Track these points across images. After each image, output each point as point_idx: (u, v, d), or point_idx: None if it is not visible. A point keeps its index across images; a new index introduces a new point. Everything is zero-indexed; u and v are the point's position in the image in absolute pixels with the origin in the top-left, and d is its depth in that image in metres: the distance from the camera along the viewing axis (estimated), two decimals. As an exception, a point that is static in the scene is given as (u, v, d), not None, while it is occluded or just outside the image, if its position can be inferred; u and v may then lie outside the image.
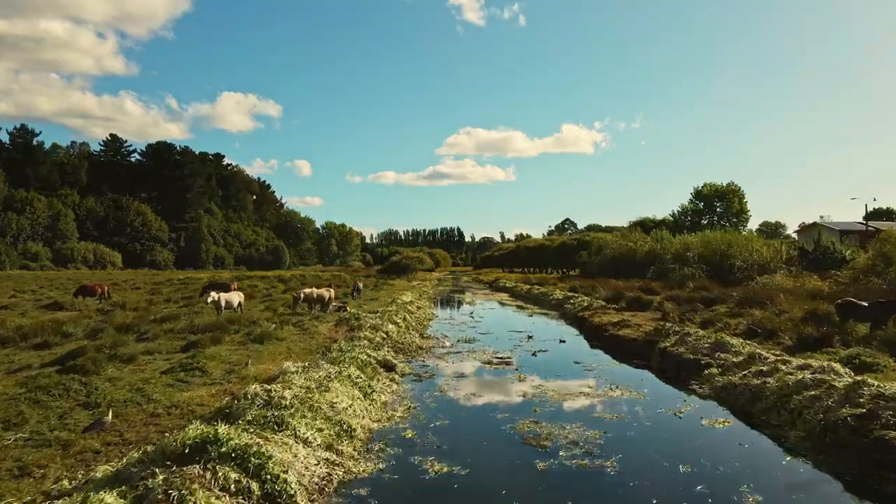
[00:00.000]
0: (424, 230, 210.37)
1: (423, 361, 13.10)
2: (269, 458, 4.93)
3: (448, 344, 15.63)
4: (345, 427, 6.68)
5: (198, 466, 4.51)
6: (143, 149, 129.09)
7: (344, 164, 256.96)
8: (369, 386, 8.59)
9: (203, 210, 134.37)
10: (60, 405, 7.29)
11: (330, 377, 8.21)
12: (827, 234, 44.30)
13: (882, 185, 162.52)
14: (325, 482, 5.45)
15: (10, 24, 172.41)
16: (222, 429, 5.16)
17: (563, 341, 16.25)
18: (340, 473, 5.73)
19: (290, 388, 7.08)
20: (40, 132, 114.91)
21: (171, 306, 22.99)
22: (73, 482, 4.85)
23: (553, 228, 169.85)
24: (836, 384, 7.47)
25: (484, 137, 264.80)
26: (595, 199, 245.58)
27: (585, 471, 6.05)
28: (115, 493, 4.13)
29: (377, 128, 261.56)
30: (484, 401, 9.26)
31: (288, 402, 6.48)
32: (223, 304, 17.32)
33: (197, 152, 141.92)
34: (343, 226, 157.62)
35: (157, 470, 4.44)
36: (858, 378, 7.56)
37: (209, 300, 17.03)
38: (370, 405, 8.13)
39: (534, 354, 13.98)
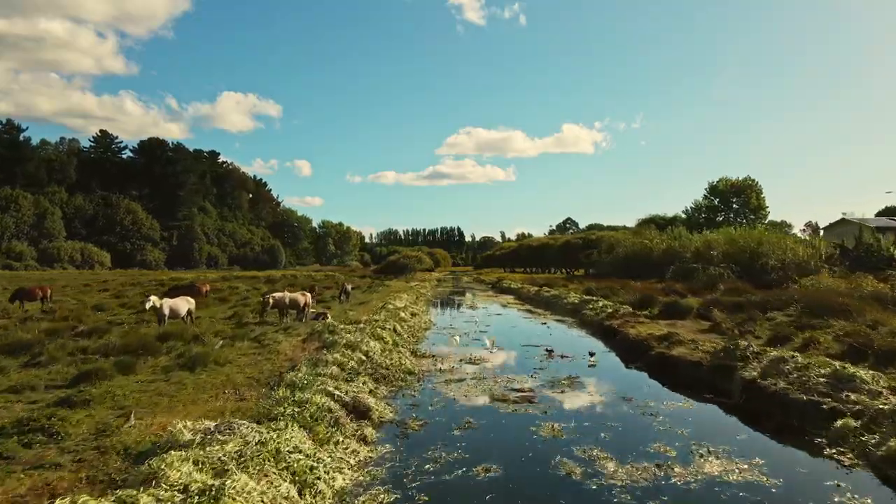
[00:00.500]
0: (424, 230, 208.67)
1: (413, 395, 9.61)
2: None
3: (447, 366, 12.13)
4: None
5: None
6: (135, 145, 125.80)
7: (344, 164, 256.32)
8: (311, 468, 5.06)
9: (197, 208, 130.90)
10: None
11: (243, 457, 4.73)
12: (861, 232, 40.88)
13: (882, 185, 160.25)
14: None
15: (9, 23, 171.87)
16: None
17: (593, 363, 12.72)
18: None
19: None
20: (27, 127, 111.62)
21: (122, 312, 19.52)
22: None
23: (554, 228, 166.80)
24: None
25: (484, 137, 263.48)
26: (595, 199, 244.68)
27: None
28: None
29: (377, 128, 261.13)
30: (504, 485, 5.75)
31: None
32: (166, 311, 13.85)
33: (191, 149, 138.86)
34: (341, 225, 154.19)
35: None
36: None
37: (147, 306, 13.57)
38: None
39: (561, 386, 10.47)
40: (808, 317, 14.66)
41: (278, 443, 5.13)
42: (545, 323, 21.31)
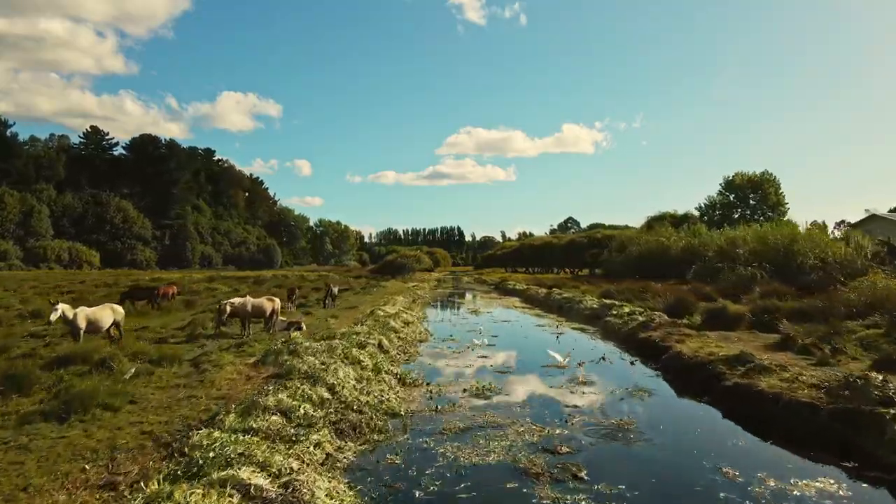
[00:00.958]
0: (424, 229, 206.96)
1: (394, 459, 6.36)
2: None
3: (447, 400, 8.91)
4: None
5: None
6: (127, 143, 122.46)
7: (344, 164, 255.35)
8: None
9: (190, 207, 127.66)
10: None
11: None
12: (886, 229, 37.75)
13: (882, 185, 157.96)
14: None
15: (9, 23, 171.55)
16: None
17: (640, 393, 9.46)
18: None
19: None
20: (13, 123, 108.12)
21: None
22: None
23: (556, 227, 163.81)
24: None
25: (484, 137, 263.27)
26: (596, 199, 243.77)
27: None
28: None
29: (377, 128, 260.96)
30: None
31: None
32: (82, 324, 10.60)
33: (184, 146, 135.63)
34: (339, 223, 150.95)
35: None
36: None
37: (53, 317, 10.34)
38: None
39: (610, 439, 7.23)
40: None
41: None
42: (562, 332, 18.05)
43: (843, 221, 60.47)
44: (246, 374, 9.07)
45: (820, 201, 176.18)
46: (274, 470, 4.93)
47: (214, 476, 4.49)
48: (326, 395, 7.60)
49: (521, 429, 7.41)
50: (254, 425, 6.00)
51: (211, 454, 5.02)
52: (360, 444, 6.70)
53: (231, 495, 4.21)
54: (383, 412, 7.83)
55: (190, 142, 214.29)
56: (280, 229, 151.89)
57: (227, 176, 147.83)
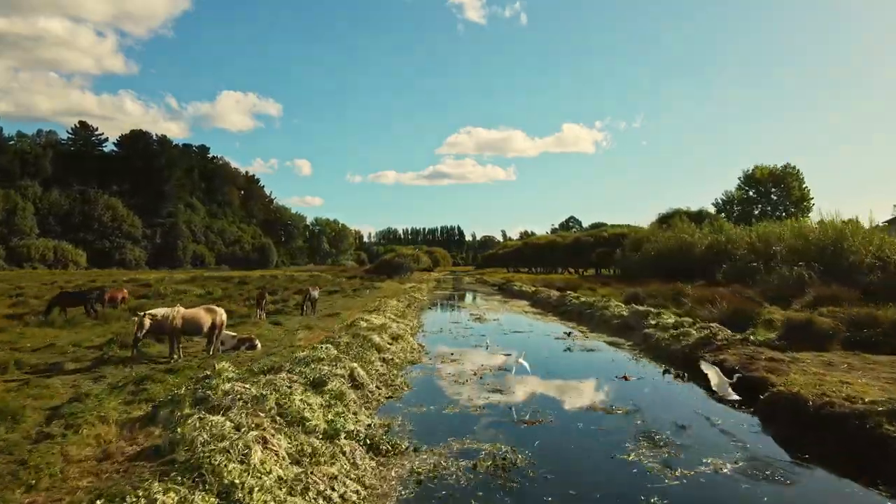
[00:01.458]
0: (424, 229, 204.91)
1: None
2: None
3: (443, 491, 5.27)
4: None
5: None
6: (117, 139, 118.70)
7: (344, 164, 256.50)
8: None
9: (183, 205, 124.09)
10: None
11: None
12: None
13: (882, 185, 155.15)
14: None
15: (9, 22, 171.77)
16: None
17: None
18: None
19: None
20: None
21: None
22: None
23: (557, 227, 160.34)
24: None
25: (484, 137, 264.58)
26: (596, 198, 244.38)
27: None
28: None
29: (377, 128, 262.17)
30: None
31: None
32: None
33: (178, 143, 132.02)
34: (336, 222, 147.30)
35: None
36: None
37: None
38: None
39: None
40: None
41: None
42: (590, 349, 14.40)
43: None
44: (109, 449, 5.41)
45: (821, 201, 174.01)
46: None
47: None
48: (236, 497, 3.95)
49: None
50: None
51: None
52: None
53: None
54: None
55: (189, 141, 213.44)
56: (276, 228, 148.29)
57: (221, 173, 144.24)
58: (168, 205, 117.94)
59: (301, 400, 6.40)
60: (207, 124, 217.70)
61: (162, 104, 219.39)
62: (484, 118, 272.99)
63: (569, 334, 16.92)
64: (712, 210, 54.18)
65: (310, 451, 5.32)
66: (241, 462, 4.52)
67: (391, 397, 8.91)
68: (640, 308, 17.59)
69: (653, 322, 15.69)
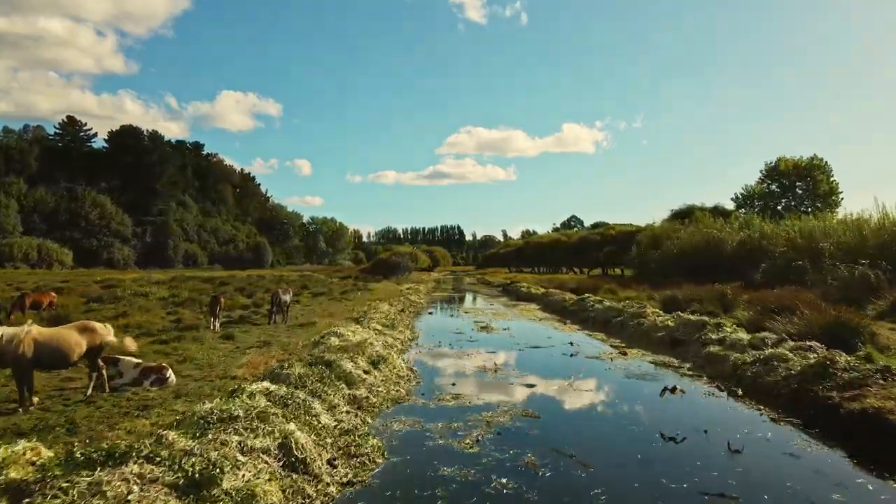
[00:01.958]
0: (424, 228, 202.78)
1: None
2: None
3: None
4: None
5: None
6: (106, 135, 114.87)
7: (344, 164, 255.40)
8: None
9: (175, 203, 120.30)
10: None
11: None
12: None
13: (883, 185, 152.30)
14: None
15: (9, 21, 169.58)
16: None
17: None
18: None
19: None
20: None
21: None
22: None
23: (559, 226, 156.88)
24: None
25: (484, 137, 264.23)
26: (596, 198, 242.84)
27: None
28: None
29: (377, 127, 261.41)
30: None
31: None
32: None
33: (171, 140, 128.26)
34: (333, 221, 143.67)
35: None
36: None
37: None
38: None
39: None
40: None
41: None
42: (641, 376, 10.76)
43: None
44: None
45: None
46: None
47: None
48: None
49: None
50: None
51: None
52: None
53: None
54: None
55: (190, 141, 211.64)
56: (272, 227, 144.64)
57: (215, 171, 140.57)
58: (159, 202, 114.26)
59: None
60: (207, 124, 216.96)
61: (162, 104, 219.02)
62: (484, 118, 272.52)
63: (609, 355, 13.27)
64: (730, 206, 50.58)
65: None
66: None
67: (350, 483, 5.25)
68: (690, 317, 13.91)
69: (712, 336, 12.07)
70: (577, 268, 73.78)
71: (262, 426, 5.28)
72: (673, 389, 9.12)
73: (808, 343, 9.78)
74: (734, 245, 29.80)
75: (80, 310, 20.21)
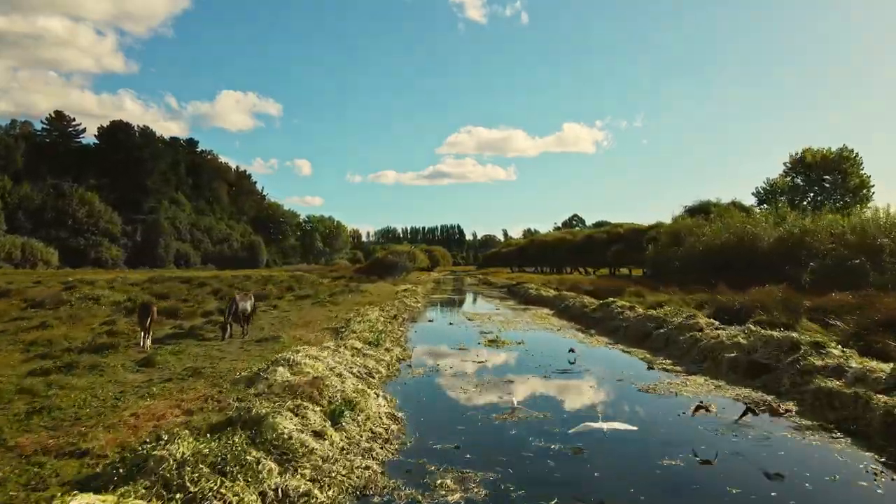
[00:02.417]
0: (423, 228, 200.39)
1: None
2: None
3: None
4: None
5: None
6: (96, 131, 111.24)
7: (344, 164, 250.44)
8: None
9: (167, 200, 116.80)
10: None
11: None
12: None
13: (883, 185, 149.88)
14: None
15: (8, 21, 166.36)
16: None
17: None
18: None
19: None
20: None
21: None
22: None
23: (560, 225, 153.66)
24: None
25: (485, 136, 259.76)
26: (596, 198, 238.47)
27: None
28: None
29: (377, 127, 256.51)
30: None
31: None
32: None
33: (160, 135, 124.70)
34: (330, 219, 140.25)
35: None
36: None
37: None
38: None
39: None
40: None
41: None
42: (730, 429, 7.34)
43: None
44: None
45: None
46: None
47: None
48: None
49: None
50: None
51: None
52: None
53: None
54: None
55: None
56: (268, 226, 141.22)
57: (209, 168, 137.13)
58: (150, 200, 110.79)
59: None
60: (207, 124, 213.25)
61: (162, 104, 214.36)
62: (484, 118, 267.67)
63: (669, 386, 9.85)
64: (750, 201, 47.16)
65: None
66: None
67: None
68: (772, 333, 10.46)
69: (815, 362, 8.67)
70: (583, 267, 70.78)
71: None
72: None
73: None
74: (771, 242, 26.38)
75: (8, 316, 16.93)
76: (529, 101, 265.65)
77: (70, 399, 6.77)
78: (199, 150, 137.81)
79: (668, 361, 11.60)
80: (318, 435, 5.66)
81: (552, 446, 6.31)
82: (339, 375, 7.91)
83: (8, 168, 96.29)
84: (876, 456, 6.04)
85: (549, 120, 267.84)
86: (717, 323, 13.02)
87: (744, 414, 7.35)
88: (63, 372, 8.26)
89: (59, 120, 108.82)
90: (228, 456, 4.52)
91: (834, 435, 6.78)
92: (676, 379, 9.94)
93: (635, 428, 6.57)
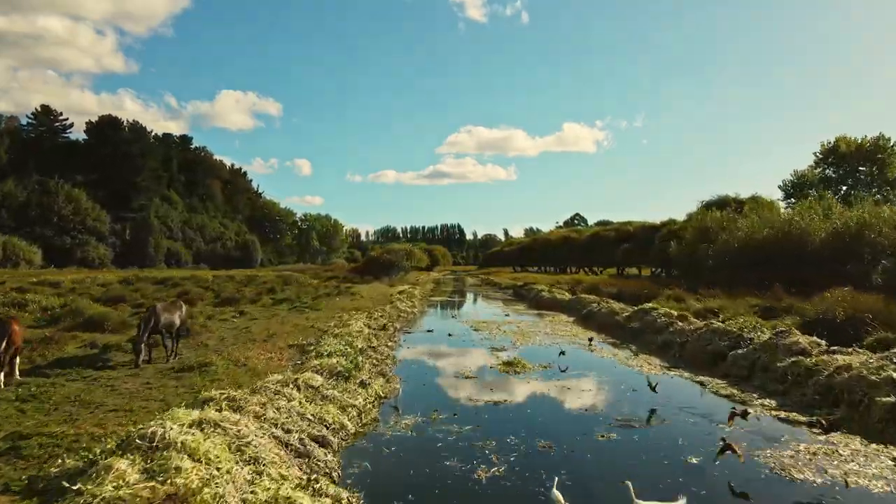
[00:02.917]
0: (423, 227, 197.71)
1: None
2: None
3: None
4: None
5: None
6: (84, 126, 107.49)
7: (344, 164, 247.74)
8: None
9: (159, 198, 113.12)
10: None
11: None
12: None
13: None
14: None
15: (8, 20, 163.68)
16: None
17: None
18: None
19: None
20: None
21: None
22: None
23: (561, 224, 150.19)
24: None
25: (485, 136, 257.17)
26: (596, 197, 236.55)
27: None
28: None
29: (377, 127, 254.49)
30: None
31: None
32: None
33: (151, 131, 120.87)
34: (327, 217, 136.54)
35: None
36: None
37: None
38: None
39: None
40: None
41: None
42: None
43: None
44: None
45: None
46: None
47: None
48: None
49: None
50: None
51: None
52: None
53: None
54: None
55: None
56: (263, 224, 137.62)
57: (203, 165, 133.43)
58: (140, 198, 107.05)
59: None
60: (207, 123, 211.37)
61: (161, 103, 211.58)
62: (484, 117, 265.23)
63: (810, 454, 6.20)
64: (775, 195, 43.54)
65: None
66: None
67: None
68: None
69: None
70: (588, 267, 67.33)
71: None
72: None
73: None
74: (823, 237, 22.76)
75: None
76: (529, 101, 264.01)
77: None
78: (192, 146, 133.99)
79: (772, 402, 7.97)
80: None
81: None
82: (254, 462, 4.26)
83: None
84: None
85: (549, 120, 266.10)
86: (823, 343, 9.37)
87: None
88: None
89: (45, 115, 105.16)
90: None
91: None
92: (807, 439, 6.29)
93: None
